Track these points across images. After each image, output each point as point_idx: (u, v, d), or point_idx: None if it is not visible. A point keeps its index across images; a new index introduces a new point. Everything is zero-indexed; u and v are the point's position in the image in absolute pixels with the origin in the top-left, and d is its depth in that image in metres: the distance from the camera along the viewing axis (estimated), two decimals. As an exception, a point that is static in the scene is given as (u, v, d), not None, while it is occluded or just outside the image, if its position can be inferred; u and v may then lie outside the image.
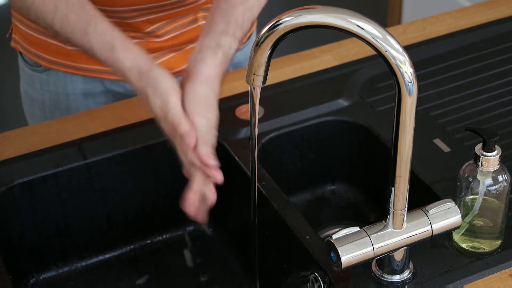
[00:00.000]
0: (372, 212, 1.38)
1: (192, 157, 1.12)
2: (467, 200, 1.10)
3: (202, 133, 1.12)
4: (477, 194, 1.08)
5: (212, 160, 1.11)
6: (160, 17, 1.38)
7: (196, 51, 1.17)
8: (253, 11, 1.23)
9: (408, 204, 1.02)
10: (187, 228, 1.38)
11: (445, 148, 1.28)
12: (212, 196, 1.14)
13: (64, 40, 1.19)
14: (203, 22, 1.43)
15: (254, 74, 0.98)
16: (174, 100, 1.11)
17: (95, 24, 1.15)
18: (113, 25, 1.17)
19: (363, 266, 1.07)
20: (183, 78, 1.16)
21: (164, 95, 1.11)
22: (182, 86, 1.15)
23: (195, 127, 1.12)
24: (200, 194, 1.14)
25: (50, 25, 1.18)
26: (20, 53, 1.48)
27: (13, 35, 1.48)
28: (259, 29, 0.98)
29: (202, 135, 1.12)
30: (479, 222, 1.10)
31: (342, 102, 1.37)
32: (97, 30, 1.15)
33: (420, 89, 0.99)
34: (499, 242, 1.12)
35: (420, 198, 1.13)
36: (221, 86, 1.17)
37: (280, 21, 0.93)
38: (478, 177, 1.07)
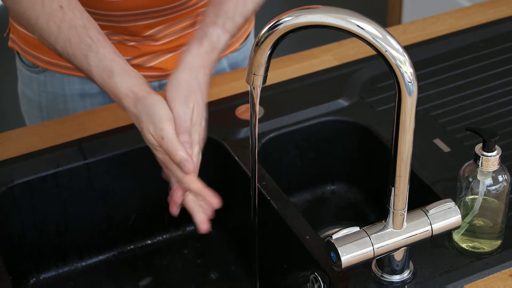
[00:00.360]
0: (372, 212, 1.38)
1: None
2: (467, 200, 1.10)
3: (181, 121, 1.12)
4: (477, 194, 1.08)
5: (182, 152, 1.10)
6: (159, 21, 1.38)
7: (186, 43, 1.18)
8: (246, 5, 1.23)
9: (408, 204, 1.02)
10: (187, 228, 1.38)
11: (445, 148, 1.28)
12: (214, 202, 1.14)
13: (66, 60, 1.18)
14: None
15: (254, 74, 0.98)
16: (168, 127, 1.10)
17: (96, 49, 1.15)
18: (115, 47, 1.17)
19: (363, 266, 1.07)
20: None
21: (158, 122, 1.10)
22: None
23: (178, 119, 1.12)
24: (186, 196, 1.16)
25: (53, 46, 1.17)
26: (18, 53, 1.47)
27: (11, 35, 1.47)
28: (259, 29, 0.98)
29: (181, 123, 1.12)
30: (479, 222, 1.10)
31: (342, 102, 1.37)
32: (98, 55, 1.14)
33: (420, 89, 0.99)
34: (499, 242, 1.12)
35: (420, 198, 1.13)
36: (208, 76, 1.17)
37: (280, 21, 0.93)
38: (478, 177, 1.07)
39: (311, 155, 1.38)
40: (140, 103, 1.12)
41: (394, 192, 1.00)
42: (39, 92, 1.46)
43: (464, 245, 1.12)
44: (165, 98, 1.13)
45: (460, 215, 1.05)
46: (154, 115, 1.10)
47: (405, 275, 1.08)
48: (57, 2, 1.16)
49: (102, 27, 1.32)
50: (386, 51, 0.90)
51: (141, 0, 1.33)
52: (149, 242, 1.36)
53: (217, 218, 1.34)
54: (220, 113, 1.36)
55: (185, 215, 1.32)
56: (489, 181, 1.07)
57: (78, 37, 1.16)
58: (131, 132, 1.31)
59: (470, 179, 1.08)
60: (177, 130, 1.11)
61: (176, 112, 1.12)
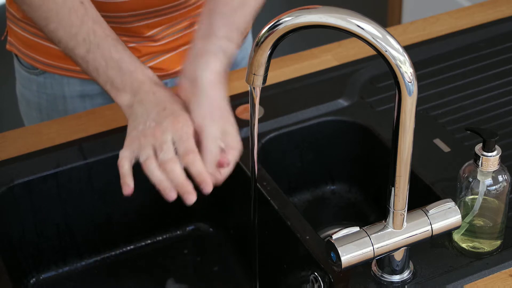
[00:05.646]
0: (372, 212, 1.38)
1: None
2: (467, 200, 1.10)
3: (211, 142, 1.09)
4: (477, 194, 1.08)
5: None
6: (159, 21, 1.38)
7: (197, 55, 1.14)
8: (251, 16, 1.22)
9: (408, 204, 1.02)
10: (187, 228, 1.38)
11: (445, 148, 1.28)
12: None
13: (79, 54, 1.17)
14: None
15: (254, 74, 0.98)
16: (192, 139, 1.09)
17: (124, 45, 1.16)
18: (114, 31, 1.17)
19: (363, 266, 1.07)
20: (182, 81, 1.14)
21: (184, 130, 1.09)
22: (184, 90, 1.13)
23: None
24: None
25: (73, 36, 1.16)
26: (16, 55, 1.47)
27: (9, 38, 1.47)
28: (258, 29, 0.98)
29: (211, 146, 1.09)
30: (479, 222, 1.10)
31: (342, 102, 1.37)
32: (127, 49, 1.15)
33: (420, 89, 0.99)
34: (499, 242, 1.12)
35: (420, 198, 1.13)
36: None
37: (280, 21, 0.93)
38: (478, 177, 1.07)
39: (311, 155, 1.38)
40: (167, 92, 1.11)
41: (394, 192, 1.00)
42: (38, 94, 1.46)
43: (464, 245, 1.12)
44: (196, 124, 1.10)
45: (460, 215, 1.05)
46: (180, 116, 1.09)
47: (405, 275, 1.08)
48: None
49: None
50: (386, 51, 0.90)
51: (141, 0, 1.33)
52: (149, 242, 1.36)
53: (217, 218, 1.34)
54: (220, 113, 1.35)
55: (185, 215, 1.33)
56: (489, 181, 1.07)
57: (104, 30, 1.15)
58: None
59: (470, 179, 1.08)
60: (205, 153, 1.08)
61: (208, 133, 1.09)
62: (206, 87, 1.11)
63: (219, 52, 1.14)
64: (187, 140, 1.08)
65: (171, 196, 1.06)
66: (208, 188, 1.06)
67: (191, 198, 1.05)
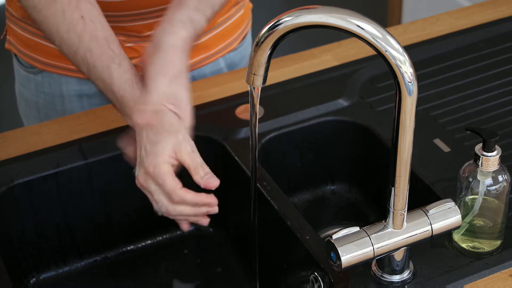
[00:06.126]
0: (372, 212, 1.38)
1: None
2: (467, 200, 1.10)
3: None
4: (477, 194, 1.08)
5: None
6: (158, 22, 1.37)
7: (166, 22, 1.16)
8: None
9: (408, 204, 1.02)
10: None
11: (445, 148, 1.28)
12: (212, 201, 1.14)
13: (84, 73, 1.17)
14: None
15: (254, 74, 0.98)
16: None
17: (119, 61, 1.14)
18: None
19: (363, 266, 1.07)
20: (148, 46, 1.15)
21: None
22: (147, 55, 1.14)
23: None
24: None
25: (73, 55, 1.16)
26: (15, 54, 1.47)
27: (7, 37, 1.47)
28: (259, 29, 0.98)
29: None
30: (479, 222, 1.10)
31: (342, 102, 1.37)
32: (121, 68, 1.14)
33: (420, 89, 0.99)
34: (499, 242, 1.12)
35: (420, 198, 1.13)
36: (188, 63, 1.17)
37: (280, 21, 0.93)
38: (478, 177, 1.07)
39: (311, 155, 1.38)
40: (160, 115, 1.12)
41: (394, 192, 1.00)
42: (36, 93, 1.46)
43: (464, 245, 1.12)
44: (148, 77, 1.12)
45: (460, 215, 1.05)
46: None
47: (405, 275, 1.08)
48: (78, 12, 1.15)
49: None
50: (386, 51, 0.90)
51: (139, 0, 1.32)
52: (149, 242, 1.36)
53: (217, 218, 1.34)
54: (220, 113, 1.36)
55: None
56: (489, 181, 1.07)
57: (99, 48, 1.15)
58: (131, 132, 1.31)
59: (470, 179, 1.08)
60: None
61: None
62: (167, 50, 1.13)
63: (187, 20, 1.16)
64: (164, 184, 1.11)
65: (186, 227, 1.19)
66: (212, 185, 1.11)
67: (205, 221, 1.16)
